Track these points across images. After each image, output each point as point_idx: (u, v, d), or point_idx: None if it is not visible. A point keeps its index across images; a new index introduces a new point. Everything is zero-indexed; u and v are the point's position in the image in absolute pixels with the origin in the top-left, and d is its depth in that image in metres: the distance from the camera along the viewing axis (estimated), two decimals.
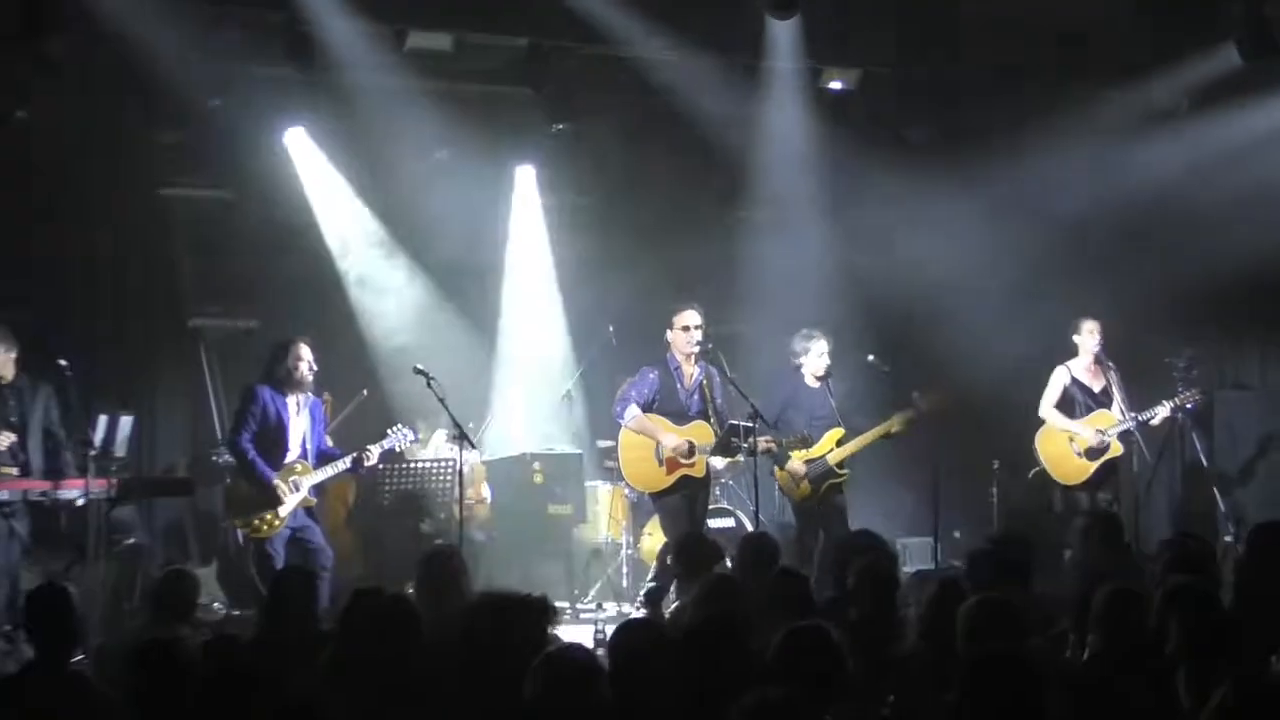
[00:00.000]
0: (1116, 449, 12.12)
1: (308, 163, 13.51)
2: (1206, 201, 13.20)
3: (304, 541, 10.56)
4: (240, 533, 11.12)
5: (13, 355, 10.82)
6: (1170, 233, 13.43)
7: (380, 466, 11.63)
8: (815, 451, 11.73)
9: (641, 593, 11.16)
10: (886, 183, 14.18)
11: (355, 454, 10.80)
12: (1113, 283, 13.33)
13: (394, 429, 11.05)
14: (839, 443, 11.78)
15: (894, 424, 11.73)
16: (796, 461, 11.64)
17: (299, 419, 10.69)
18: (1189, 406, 12.28)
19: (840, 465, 11.78)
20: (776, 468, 11.77)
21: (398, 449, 11.27)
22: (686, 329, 11.25)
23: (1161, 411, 12.13)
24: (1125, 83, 13.34)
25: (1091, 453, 12.10)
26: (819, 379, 11.88)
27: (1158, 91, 13.53)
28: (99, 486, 10.53)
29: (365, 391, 12.73)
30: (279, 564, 10.23)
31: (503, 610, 5.71)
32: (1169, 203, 13.30)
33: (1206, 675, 5.27)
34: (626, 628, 5.87)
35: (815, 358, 11.85)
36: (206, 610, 11.55)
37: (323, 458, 10.79)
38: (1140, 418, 12.05)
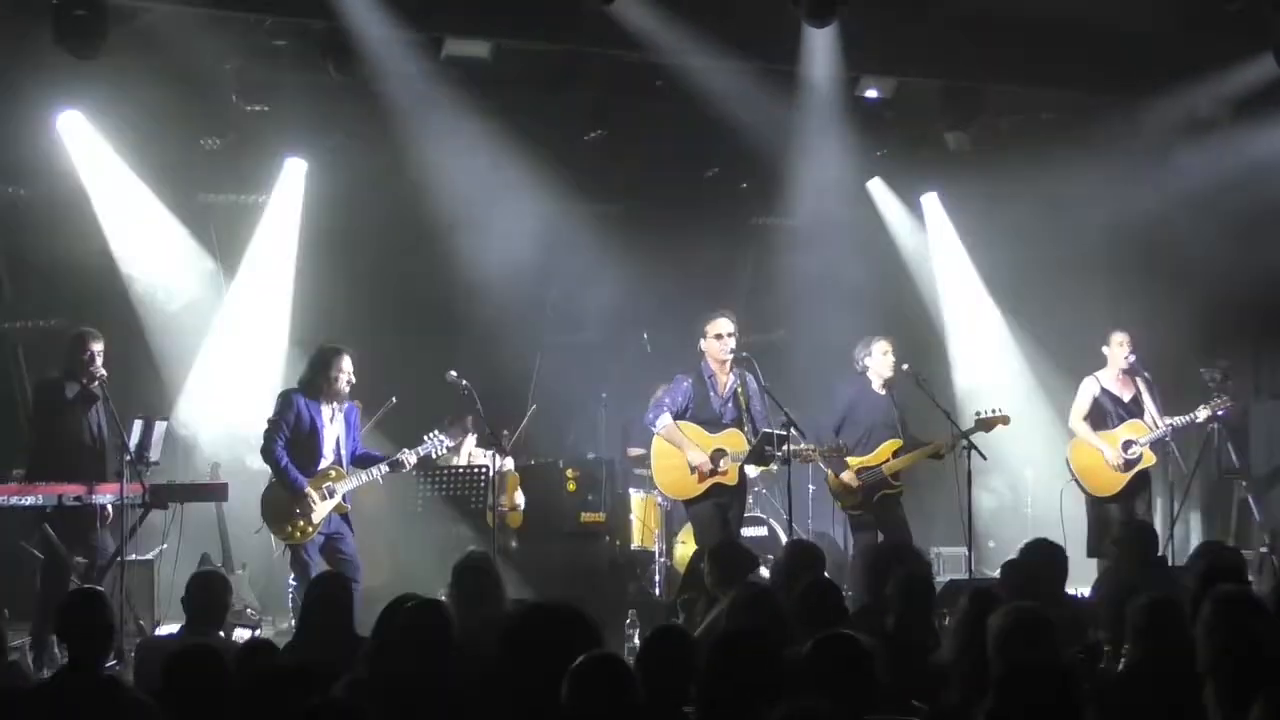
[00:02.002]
0: (1149, 459, 12.01)
1: (342, 169, 13.57)
2: (1244, 212, 13.16)
3: (336, 551, 10.58)
4: (276, 538, 11.17)
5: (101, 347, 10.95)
6: (1207, 243, 13.37)
7: (413, 473, 11.64)
8: (870, 460, 11.65)
9: (674, 601, 11.13)
10: (922, 190, 14.14)
11: (392, 459, 10.84)
12: (1148, 293, 13.26)
13: (430, 436, 11.07)
14: (896, 454, 11.71)
15: (941, 446, 11.68)
16: (849, 471, 11.58)
17: (333, 425, 10.71)
18: (1220, 413, 12.18)
19: (895, 477, 11.68)
20: (830, 473, 11.74)
21: (433, 455, 11.30)
22: (720, 337, 11.19)
23: (1201, 414, 12.03)
24: (1165, 93, 13.28)
25: (1124, 464, 12.00)
26: (885, 384, 11.82)
27: (1198, 101, 13.46)
28: (133, 491, 10.56)
29: (394, 399, 12.71)
30: (314, 570, 10.24)
31: (546, 621, 5.71)
32: (1206, 213, 13.24)
33: (1241, 689, 5.20)
34: (659, 636, 5.85)
35: (879, 358, 11.77)
36: (240, 616, 11.61)
37: (359, 462, 10.83)
38: (1177, 424, 11.95)
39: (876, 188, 15.24)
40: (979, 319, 15.26)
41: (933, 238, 15.37)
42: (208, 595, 7.64)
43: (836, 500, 11.91)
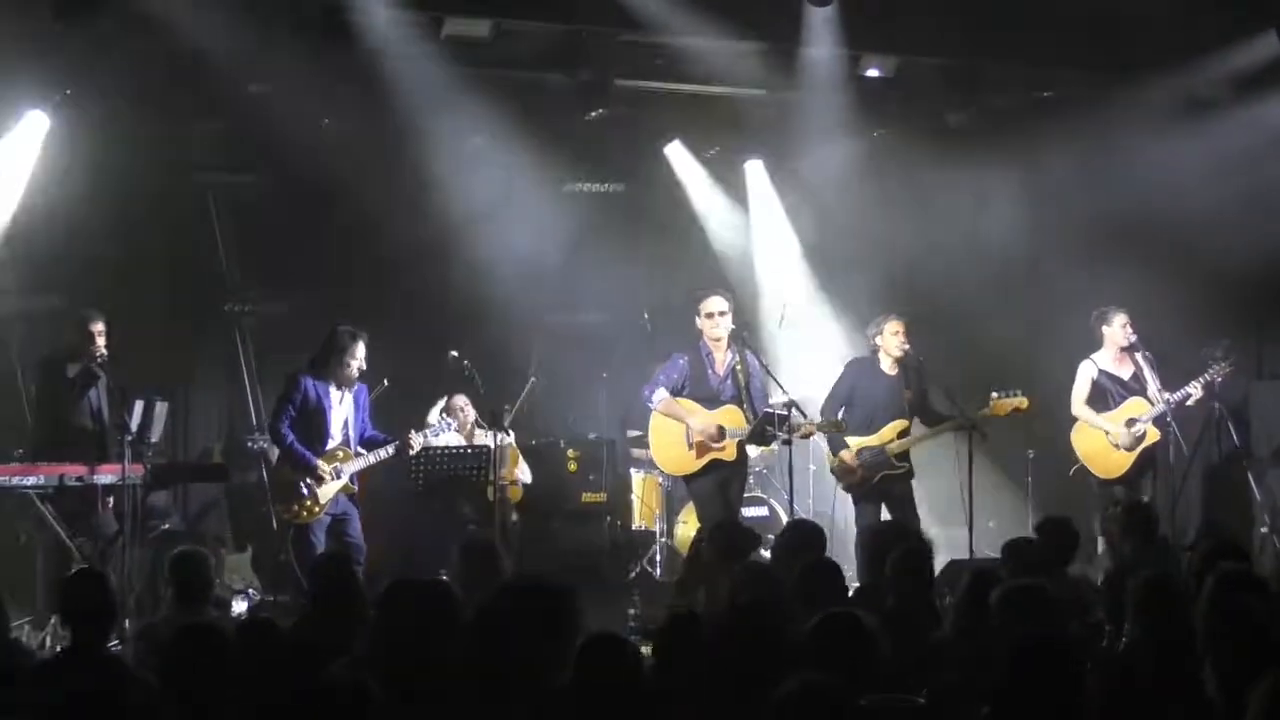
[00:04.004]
0: (1154, 435, 11.98)
1: (345, 148, 13.52)
2: (1245, 191, 13.09)
3: (342, 533, 10.62)
4: (282, 518, 11.15)
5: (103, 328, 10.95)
6: (1207, 222, 13.32)
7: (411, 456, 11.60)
8: (874, 440, 11.56)
9: (677, 581, 11.13)
10: (924, 169, 14.13)
11: (399, 440, 10.85)
12: (1150, 272, 13.21)
13: (439, 418, 11.09)
14: (901, 434, 11.60)
15: (948, 427, 11.62)
16: (849, 452, 11.51)
17: (341, 406, 10.73)
18: (1219, 380, 12.15)
19: (900, 457, 11.56)
20: (829, 454, 11.69)
21: (438, 437, 11.33)
22: (710, 315, 11.21)
23: (1194, 391, 12.00)
24: (1166, 71, 13.23)
25: (1132, 442, 11.97)
26: (897, 363, 11.67)
27: (1198, 80, 13.41)
28: (134, 472, 10.55)
29: (386, 381, 12.65)
30: (318, 551, 10.27)
31: (528, 596, 5.71)
32: (1206, 192, 13.18)
33: (1240, 668, 5.19)
34: (668, 614, 5.86)
35: (889, 337, 11.61)
36: (242, 595, 11.61)
37: (367, 444, 10.83)
38: (1173, 399, 11.92)
39: (877, 165, 15.16)
40: (982, 298, 15.18)
41: (936, 215, 15.29)
42: (190, 572, 7.60)
43: (837, 481, 11.87)
